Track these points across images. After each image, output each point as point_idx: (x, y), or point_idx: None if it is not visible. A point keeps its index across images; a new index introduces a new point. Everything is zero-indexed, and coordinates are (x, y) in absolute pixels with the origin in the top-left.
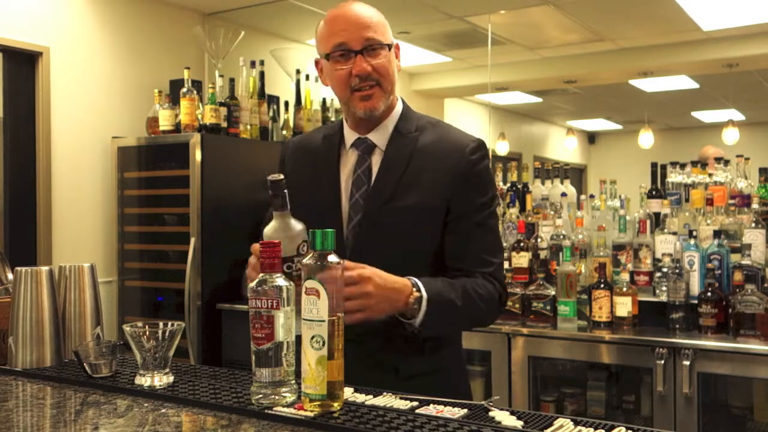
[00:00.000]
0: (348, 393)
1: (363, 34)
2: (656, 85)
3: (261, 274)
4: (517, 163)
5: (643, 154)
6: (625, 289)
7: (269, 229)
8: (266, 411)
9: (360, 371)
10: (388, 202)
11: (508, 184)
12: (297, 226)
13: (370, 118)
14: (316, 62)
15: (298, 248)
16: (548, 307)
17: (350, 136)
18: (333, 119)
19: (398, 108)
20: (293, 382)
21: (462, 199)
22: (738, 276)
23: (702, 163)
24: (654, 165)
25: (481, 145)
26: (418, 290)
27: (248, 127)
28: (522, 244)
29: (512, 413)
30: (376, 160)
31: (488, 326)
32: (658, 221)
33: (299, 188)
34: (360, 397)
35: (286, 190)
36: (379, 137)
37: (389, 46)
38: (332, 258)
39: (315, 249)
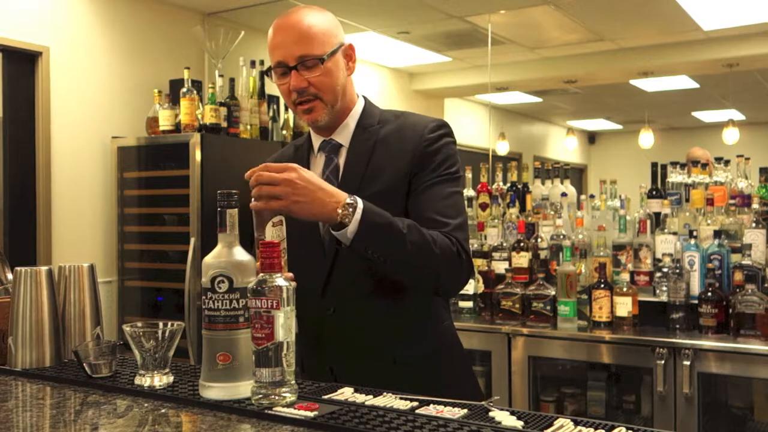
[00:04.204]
0: (348, 393)
1: (296, 51)
2: (656, 85)
3: (261, 274)
4: (517, 163)
5: (643, 154)
6: (625, 289)
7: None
8: (266, 411)
9: (359, 364)
10: (355, 194)
11: (508, 184)
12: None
13: (318, 127)
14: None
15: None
16: (548, 307)
17: (316, 140)
18: None
19: (359, 105)
20: (293, 382)
21: (420, 171)
22: (738, 276)
23: (702, 164)
24: (654, 165)
25: (441, 124)
26: (354, 200)
27: (248, 127)
28: (522, 244)
29: (512, 413)
30: (342, 159)
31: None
32: (658, 221)
33: None
34: (360, 397)
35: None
36: (343, 136)
37: (334, 53)
38: None
39: None
